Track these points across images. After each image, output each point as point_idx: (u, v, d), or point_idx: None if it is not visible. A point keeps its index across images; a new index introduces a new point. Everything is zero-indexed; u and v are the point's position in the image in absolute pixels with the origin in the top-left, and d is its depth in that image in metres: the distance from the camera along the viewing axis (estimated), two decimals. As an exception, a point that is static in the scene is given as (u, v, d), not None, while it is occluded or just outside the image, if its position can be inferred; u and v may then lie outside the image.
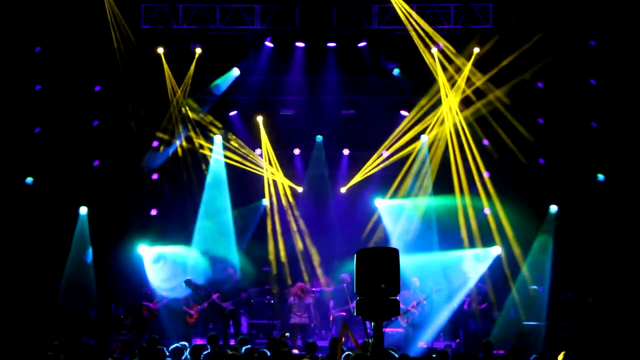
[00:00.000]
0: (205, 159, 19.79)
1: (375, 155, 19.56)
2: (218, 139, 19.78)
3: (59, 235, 18.23)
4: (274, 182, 20.05)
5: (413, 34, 18.11)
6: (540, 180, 18.87)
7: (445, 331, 17.83)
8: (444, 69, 18.57)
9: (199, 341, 16.82)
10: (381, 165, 19.69)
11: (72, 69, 18.15)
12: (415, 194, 19.51)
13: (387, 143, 19.45)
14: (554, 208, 18.60)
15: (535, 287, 17.68)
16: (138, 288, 17.97)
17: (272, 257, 19.79)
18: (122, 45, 18.18)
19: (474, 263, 18.28)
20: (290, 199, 20.07)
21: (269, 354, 10.66)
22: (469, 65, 18.43)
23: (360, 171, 19.79)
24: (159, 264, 18.27)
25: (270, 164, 19.97)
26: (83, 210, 18.53)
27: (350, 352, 10.32)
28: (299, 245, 19.82)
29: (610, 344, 14.77)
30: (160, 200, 20.03)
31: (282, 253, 19.82)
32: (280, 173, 20.04)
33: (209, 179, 19.70)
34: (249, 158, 19.91)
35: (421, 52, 18.33)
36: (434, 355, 10.80)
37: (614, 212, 18.03)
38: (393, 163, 20.00)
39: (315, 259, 19.67)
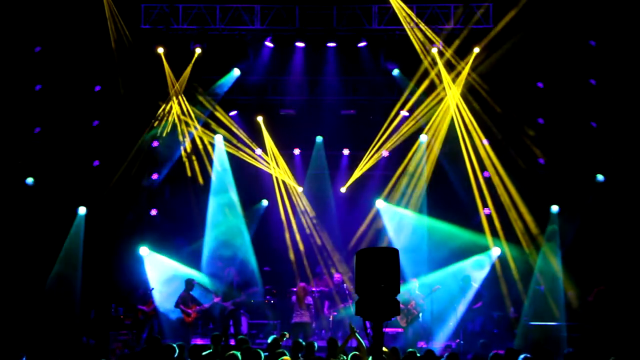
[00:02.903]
0: (208, 158, 19.83)
1: (372, 155, 19.62)
2: (219, 138, 19.80)
3: (58, 235, 18.25)
4: (278, 180, 20.07)
5: (412, 34, 18.09)
6: (541, 180, 18.85)
7: (445, 331, 17.83)
8: (441, 70, 18.57)
9: (199, 341, 16.83)
10: (369, 164, 19.72)
11: (72, 69, 18.14)
12: (409, 196, 19.52)
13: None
14: (555, 208, 18.59)
15: (537, 287, 17.69)
16: (138, 288, 17.98)
17: (277, 255, 19.92)
18: (122, 46, 18.18)
19: (476, 270, 18.30)
20: (295, 198, 20.10)
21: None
22: (469, 65, 18.44)
23: (357, 169, 19.85)
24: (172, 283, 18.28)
25: (277, 163, 20.00)
26: (82, 210, 18.54)
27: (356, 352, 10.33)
28: (301, 245, 19.88)
29: (610, 343, 14.80)
30: (161, 201, 20.04)
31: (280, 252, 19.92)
32: (287, 172, 20.07)
33: (213, 179, 19.75)
34: (250, 158, 19.92)
35: (421, 52, 18.33)
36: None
37: (614, 212, 18.03)
38: (393, 163, 20.02)
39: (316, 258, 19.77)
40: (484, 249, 18.67)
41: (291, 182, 20.08)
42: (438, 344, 17.18)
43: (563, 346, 15.15)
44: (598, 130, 18.44)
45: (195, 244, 19.32)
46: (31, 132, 18.50)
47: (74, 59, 18.10)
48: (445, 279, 18.17)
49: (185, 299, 17.30)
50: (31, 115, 18.38)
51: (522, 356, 10.06)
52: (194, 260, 18.97)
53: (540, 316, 17.24)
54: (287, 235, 19.95)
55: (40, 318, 16.98)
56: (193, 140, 19.66)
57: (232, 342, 15.82)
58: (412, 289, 17.36)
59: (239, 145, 19.81)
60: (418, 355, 10.74)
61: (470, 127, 18.80)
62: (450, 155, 19.22)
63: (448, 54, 18.38)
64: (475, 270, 18.30)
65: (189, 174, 19.69)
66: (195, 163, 19.78)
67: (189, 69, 18.78)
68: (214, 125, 19.67)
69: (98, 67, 18.34)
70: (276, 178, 19.97)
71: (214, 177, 19.79)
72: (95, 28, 17.90)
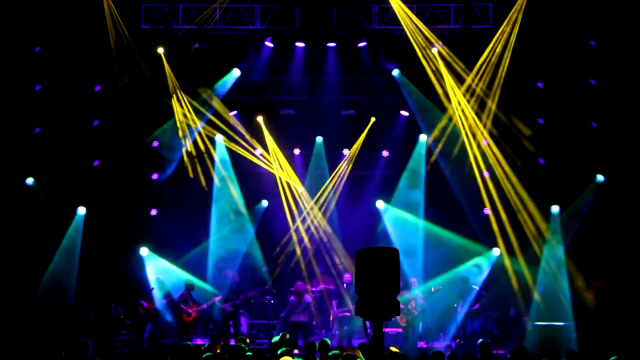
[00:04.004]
0: (210, 158, 19.83)
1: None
2: (219, 138, 19.81)
3: (58, 236, 18.28)
4: (282, 180, 20.06)
5: (412, 34, 18.08)
6: (541, 180, 18.84)
7: (445, 331, 17.84)
8: (442, 69, 18.57)
9: (199, 341, 16.83)
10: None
11: (72, 69, 18.14)
12: (406, 198, 19.53)
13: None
14: (555, 208, 18.59)
15: (539, 287, 17.74)
16: (138, 288, 18.01)
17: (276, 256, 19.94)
18: (122, 46, 18.18)
19: (475, 272, 18.30)
20: (297, 197, 20.12)
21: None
22: (468, 65, 18.45)
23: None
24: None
25: (279, 163, 20.00)
26: (81, 210, 18.57)
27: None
28: (306, 244, 19.92)
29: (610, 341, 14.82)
30: (161, 201, 20.04)
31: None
32: (289, 171, 20.06)
33: (216, 179, 19.74)
34: (252, 156, 19.93)
35: (421, 52, 18.32)
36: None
37: (614, 212, 18.03)
38: (393, 163, 20.04)
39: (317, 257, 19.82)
40: (483, 250, 18.68)
41: (294, 181, 20.06)
42: (438, 344, 17.18)
43: (566, 346, 15.18)
44: (598, 130, 18.44)
45: (198, 247, 19.31)
46: (31, 132, 18.51)
47: (74, 59, 18.10)
48: (445, 279, 18.17)
49: (185, 298, 17.33)
50: (31, 115, 18.39)
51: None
52: (197, 268, 18.86)
53: (542, 316, 17.24)
54: (294, 236, 19.95)
55: (33, 317, 16.99)
56: (194, 140, 19.66)
57: (232, 342, 15.82)
58: (412, 288, 17.39)
59: (241, 144, 19.80)
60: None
61: (469, 127, 18.80)
62: (449, 156, 19.22)
63: (448, 53, 18.37)
64: (475, 272, 18.31)
65: (191, 174, 19.68)
66: (197, 163, 19.79)
67: (188, 68, 18.77)
68: (214, 125, 19.67)
69: (98, 67, 18.34)
70: (279, 178, 19.96)
71: (216, 177, 19.79)
72: (95, 28, 17.90)
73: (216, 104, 19.50)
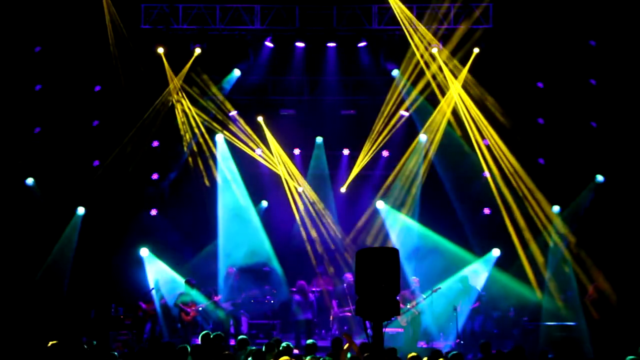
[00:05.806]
0: (211, 158, 19.83)
1: (364, 153, 19.66)
2: (220, 138, 19.79)
3: (58, 236, 18.30)
4: (287, 180, 20.05)
5: (412, 34, 18.08)
6: (541, 180, 18.84)
7: (445, 331, 17.83)
8: (443, 69, 18.56)
9: (197, 341, 16.82)
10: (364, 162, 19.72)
11: (72, 69, 18.15)
12: (403, 198, 19.52)
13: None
14: (555, 208, 18.58)
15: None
16: (138, 288, 18.01)
17: (278, 255, 19.88)
18: (122, 46, 18.19)
19: (476, 274, 18.31)
20: (297, 197, 20.12)
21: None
22: (468, 65, 18.44)
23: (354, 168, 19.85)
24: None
25: (283, 162, 19.99)
26: (81, 210, 18.57)
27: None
28: (305, 244, 19.91)
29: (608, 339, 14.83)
30: (162, 201, 20.02)
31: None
32: (293, 170, 20.04)
33: (219, 180, 19.72)
34: (256, 156, 19.91)
35: (421, 52, 18.32)
36: None
37: (614, 212, 18.03)
38: (393, 163, 20.02)
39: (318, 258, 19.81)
40: (482, 252, 18.68)
41: (296, 180, 20.02)
42: (438, 344, 17.17)
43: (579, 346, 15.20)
44: (598, 130, 18.44)
45: (203, 251, 19.28)
46: (31, 132, 18.52)
47: (74, 59, 18.10)
48: (445, 279, 18.16)
49: (184, 297, 17.35)
50: (31, 115, 18.40)
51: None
52: (204, 275, 18.76)
53: (549, 316, 17.26)
54: (305, 235, 19.94)
55: (23, 316, 17.02)
56: (195, 140, 19.64)
57: (232, 342, 15.81)
58: (412, 288, 17.41)
59: (243, 143, 19.81)
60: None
61: (469, 127, 18.80)
62: (448, 156, 19.21)
63: (447, 54, 18.37)
64: (475, 274, 18.30)
65: (193, 174, 19.67)
66: (200, 163, 19.78)
67: (186, 68, 18.77)
68: (214, 125, 19.67)
69: (98, 67, 18.34)
70: (285, 179, 19.94)
71: (218, 176, 19.76)
72: (95, 28, 17.90)
73: (217, 103, 19.50)
